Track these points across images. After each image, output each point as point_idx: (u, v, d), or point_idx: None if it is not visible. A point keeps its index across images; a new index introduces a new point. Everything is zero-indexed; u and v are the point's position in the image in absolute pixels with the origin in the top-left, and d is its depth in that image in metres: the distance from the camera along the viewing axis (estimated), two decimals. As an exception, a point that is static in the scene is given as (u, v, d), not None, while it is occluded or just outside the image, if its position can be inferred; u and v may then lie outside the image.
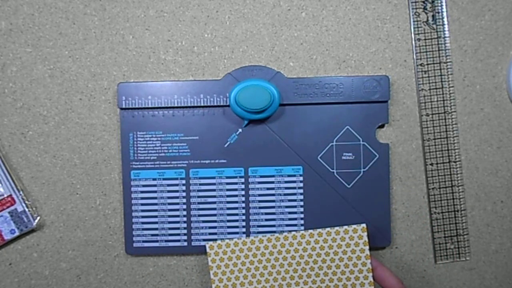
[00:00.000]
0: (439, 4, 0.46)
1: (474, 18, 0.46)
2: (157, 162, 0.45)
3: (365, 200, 0.45)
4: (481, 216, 0.47)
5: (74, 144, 0.46)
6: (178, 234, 0.45)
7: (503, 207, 0.47)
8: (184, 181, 0.45)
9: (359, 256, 0.42)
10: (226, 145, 0.45)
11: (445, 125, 0.46)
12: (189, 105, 0.45)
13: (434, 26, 0.46)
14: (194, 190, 0.45)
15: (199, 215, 0.45)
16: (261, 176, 0.45)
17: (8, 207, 0.45)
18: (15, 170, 0.46)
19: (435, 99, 0.46)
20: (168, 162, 0.45)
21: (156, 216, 0.45)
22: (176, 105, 0.45)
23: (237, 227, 0.45)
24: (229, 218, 0.45)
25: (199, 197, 0.45)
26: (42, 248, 0.46)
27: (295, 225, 0.45)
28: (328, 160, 0.45)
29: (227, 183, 0.45)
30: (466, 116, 0.46)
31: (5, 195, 0.45)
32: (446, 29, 0.46)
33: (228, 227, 0.45)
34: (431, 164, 0.46)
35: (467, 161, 0.46)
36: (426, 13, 0.46)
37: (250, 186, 0.45)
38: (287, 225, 0.45)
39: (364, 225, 0.42)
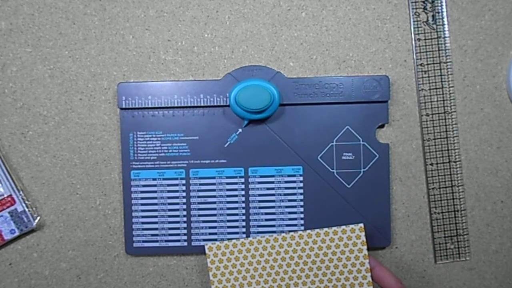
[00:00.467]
0: (439, 4, 0.45)
1: (474, 18, 0.46)
2: (157, 162, 0.45)
3: (365, 200, 0.45)
4: (481, 216, 0.47)
5: (74, 144, 0.46)
6: (178, 234, 0.45)
7: (503, 207, 0.47)
8: (184, 181, 0.45)
9: (357, 256, 0.42)
10: (226, 145, 0.45)
11: (445, 125, 0.46)
12: (189, 105, 0.45)
13: (434, 26, 0.46)
14: (194, 190, 0.45)
15: (199, 215, 0.45)
16: (261, 176, 0.45)
17: (8, 207, 0.45)
18: (15, 170, 0.46)
19: (435, 99, 0.46)
20: (168, 162, 0.45)
21: (156, 216, 0.45)
22: (176, 105, 0.45)
23: (237, 227, 0.45)
24: (229, 218, 0.45)
25: (199, 197, 0.45)
26: (42, 248, 0.46)
27: (295, 225, 0.45)
28: (328, 160, 0.45)
29: (227, 183, 0.45)
30: (466, 116, 0.46)
31: (5, 195, 0.45)
32: (446, 29, 0.46)
33: (228, 227, 0.45)
34: (431, 164, 0.46)
35: (467, 161, 0.46)
36: (426, 13, 0.46)
37: (250, 186, 0.45)
38: (287, 225, 0.45)
39: (361, 224, 0.42)
